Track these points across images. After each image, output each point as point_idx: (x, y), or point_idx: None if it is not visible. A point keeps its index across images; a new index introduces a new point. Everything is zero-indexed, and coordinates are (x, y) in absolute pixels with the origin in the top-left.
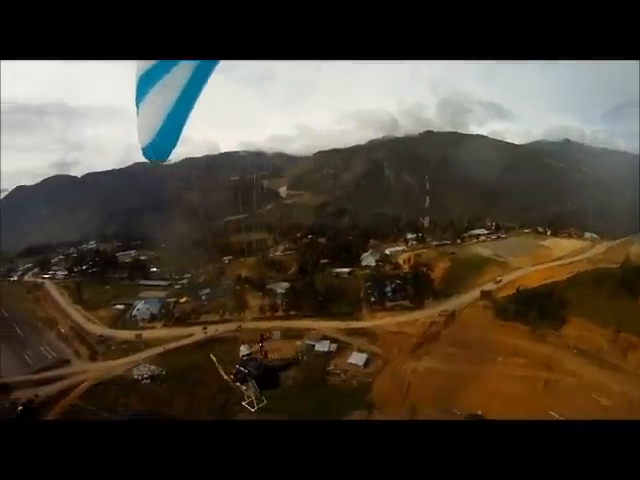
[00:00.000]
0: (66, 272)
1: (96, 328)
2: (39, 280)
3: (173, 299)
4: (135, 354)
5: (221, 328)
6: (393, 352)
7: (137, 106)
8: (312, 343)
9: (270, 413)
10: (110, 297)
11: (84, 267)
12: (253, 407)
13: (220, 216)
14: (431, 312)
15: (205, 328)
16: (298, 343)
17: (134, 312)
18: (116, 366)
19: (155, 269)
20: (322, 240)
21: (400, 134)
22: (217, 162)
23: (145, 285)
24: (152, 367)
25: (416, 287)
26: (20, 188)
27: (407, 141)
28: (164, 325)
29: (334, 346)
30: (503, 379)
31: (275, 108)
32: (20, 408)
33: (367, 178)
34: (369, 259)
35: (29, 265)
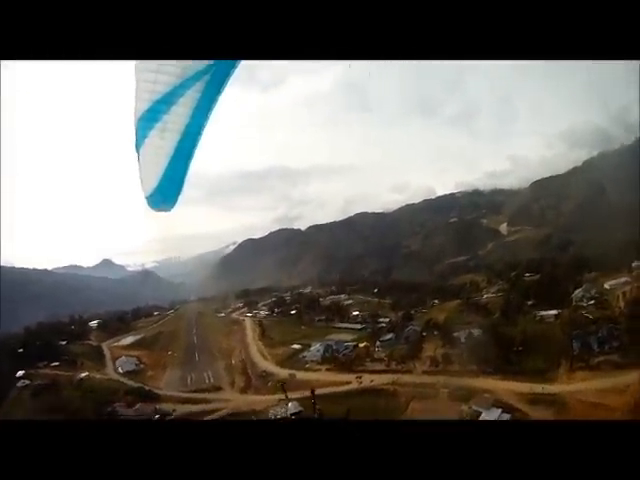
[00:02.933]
0: (268, 312)
1: (264, 364)
2: (241, 317)
3: (352, 343)
4: (282, 394)
5: (378, 379)
6: None
7: (137, 151)
8: (479, 410)
9: None
10: (297, 337)
11: (283, 308)
12: None
13: (441, 259)
14: None
15: (360, 377)
16: (464, 407)
17: (305, 353)
18: (260, 401)
19: (357, 312)
20: (536, 277)
21: (616, 145)
22: (435, 205)
23: (338, 327)
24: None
25: (632, 334)
26: (248, 240)
27: (624, 152)
28: (327, 369)
29: (506, 417)
30: None
31: (484, 143)
32: (157, 416)
33: (589, 203)
34: (582, 296)
35: (240, 304)
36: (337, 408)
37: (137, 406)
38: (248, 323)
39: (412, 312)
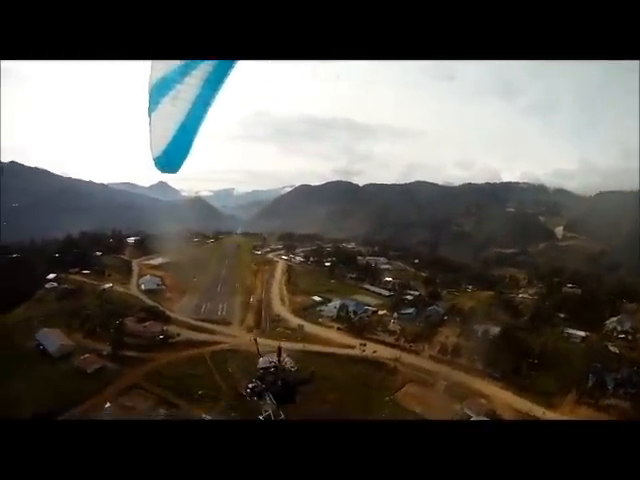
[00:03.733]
0: (303, 259)
1: (280, 309)
2: (276, 259)
3: (373, 308)
4: (287, 342)
5: (382, 352)
6: None
7: (149, 115)
8: (470, 414)
9: None
10: (322, 289)
11: (318, 258)
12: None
13: (489, 246)
14: None
15: (364, 345)
16: (456, 406)
17: (323, 307)
18: (260, 344)
19: (390, 279)
20: (577, 291)
21: None
22: (496, 191)
23: (366, 289)
24: (286, 360)
25: None
26: (304, 186)
27: None
28: (338, 328)
29: None
30: None
31: (558, 140)
32: (160, 337)
33: None
34: (614, 327)
35: (279, 246)
36: (329, 370)
37: (146, 324)
38: (280, 266)
39: (443, 292)
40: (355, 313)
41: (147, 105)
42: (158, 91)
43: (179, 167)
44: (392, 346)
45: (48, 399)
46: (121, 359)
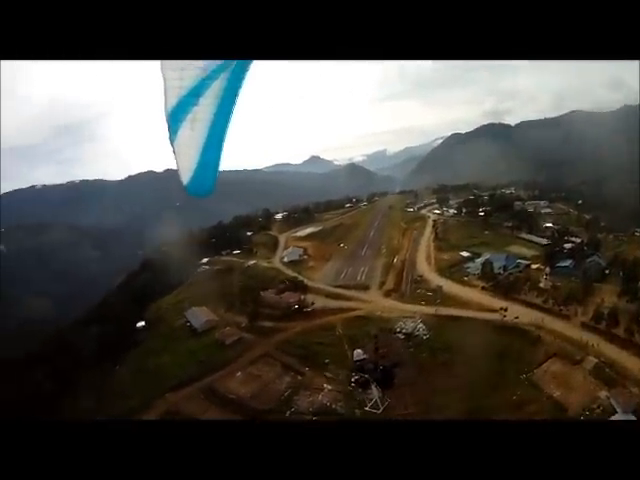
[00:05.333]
0: (456, 211)
1: (424, 268)
2: (428, 214)
3: (525, 262)
4: (423, 306)
5: (525, 316)
6: None
7: (171, 144)
8: (616, 407)
9: None
10: (474, 243)
11: (472, 209)
12: (378, 409)
13: None
14: None
15: (505, 310)
16: (601, 394)
17: (470, 263)
18: (395, 309)
19: (549, 224)
20: None
21: None
22: None
23: (522, 238)
24: (419, 326)
25: None
26: (455, 135)
27: None
28: (483, 288)
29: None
30: None
31: None
32: (295, 307)
33: None
34: None
35: (432, 200)
36: (461, 338)
37: (283, 295)
38: (430, 222)
39: (609, 237)
40: (505, 269)
41: (167, 135)
42: (175, 117)
43: (211, 189)
44: (539, 309)
45: (190, 369)
46: (257, 330)
